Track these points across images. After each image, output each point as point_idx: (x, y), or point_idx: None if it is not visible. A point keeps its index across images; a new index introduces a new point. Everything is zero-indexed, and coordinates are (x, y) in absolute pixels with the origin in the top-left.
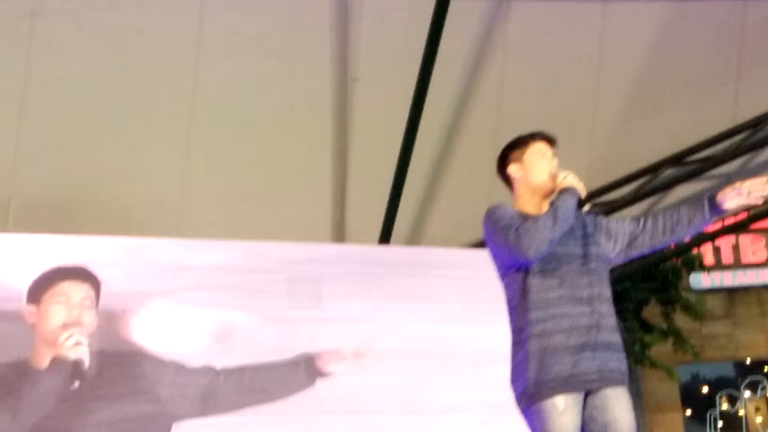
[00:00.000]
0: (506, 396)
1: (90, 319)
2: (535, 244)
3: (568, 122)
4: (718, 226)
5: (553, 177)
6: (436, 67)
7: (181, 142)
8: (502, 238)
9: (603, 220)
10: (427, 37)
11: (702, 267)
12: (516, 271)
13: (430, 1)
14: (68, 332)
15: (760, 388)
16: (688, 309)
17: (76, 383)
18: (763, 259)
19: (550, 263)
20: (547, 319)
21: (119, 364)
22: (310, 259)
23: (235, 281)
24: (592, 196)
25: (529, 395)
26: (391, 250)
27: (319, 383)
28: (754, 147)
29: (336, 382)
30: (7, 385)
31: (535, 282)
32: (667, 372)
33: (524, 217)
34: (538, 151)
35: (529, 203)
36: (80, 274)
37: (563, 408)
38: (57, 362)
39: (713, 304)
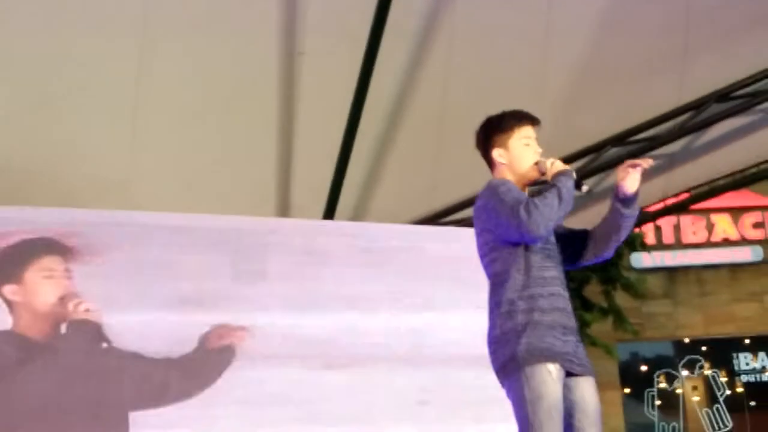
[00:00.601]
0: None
1: (75, 288)
2: (544, 221)
3: (513, 101)
4: (659, 206)
5: (537, 166)
6: (384, 43)
7: (127, 118)
8: (510, 212)
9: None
10: (374, 12)
11: (643, 246)
12: (514, 247)
13: None
14: (74, 301)
15: (697, 368)
16: (629, 288)
17: (104, 344)
18: (703, 239)
19: (547, 244)
20: (545, 296)
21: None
22: (255, 233)
23: (178, 254)
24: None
25: (520, 359)
26: (335, 225)
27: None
28: (697, 128)
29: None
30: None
31: (537, 259)
32: (607, 350)
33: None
34: (524, 137)
35: None
36: (57, 246)
37: (555, 377)
38: (78, 324)
39: (653, 283)
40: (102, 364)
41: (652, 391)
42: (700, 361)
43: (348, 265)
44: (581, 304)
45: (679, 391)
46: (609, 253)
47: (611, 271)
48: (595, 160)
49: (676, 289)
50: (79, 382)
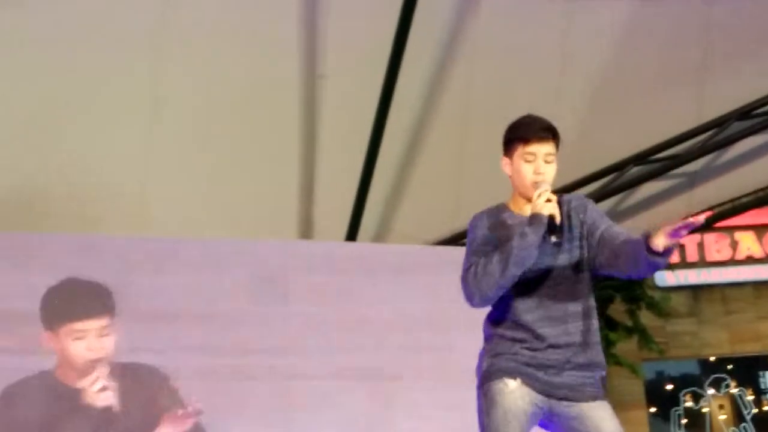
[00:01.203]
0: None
1: (110, 344)
2: (480, 292)
3: None
4: None
5: (535, 186)
6: (404, 64)
7: (143, 136)
8: (463, 268)
9: (594, 222)
10: (395, 34)
11: (667, 265)
12: None
13: None
14: (93, 376)
15: (723, 386)
16: (653, 307)
17: None
18: (727, 257)
19: (530, 279)
20: (525, 339)
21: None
22: (276, 256)
23: (199, 278)
24: (555, 193)
25: (483, 377)
26: (358, 247)
27: None
28: (719, 146)
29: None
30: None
31: (511, 303)
32: (632, 369)
33: (497, 229)
34: (528, 153)
35: (515, 201)
36: (98, 307)
37: (513, 388)
38: (87, 409)
39: (678, 301)
40: None
41: (679, 410)
42: (726, 379)
43: (370, 287)
44: (606, 324)
45: (705, 409)
46: (616, 274)
47: (635, 290)
48: (617, 179)
49: (700, 308)
50: None
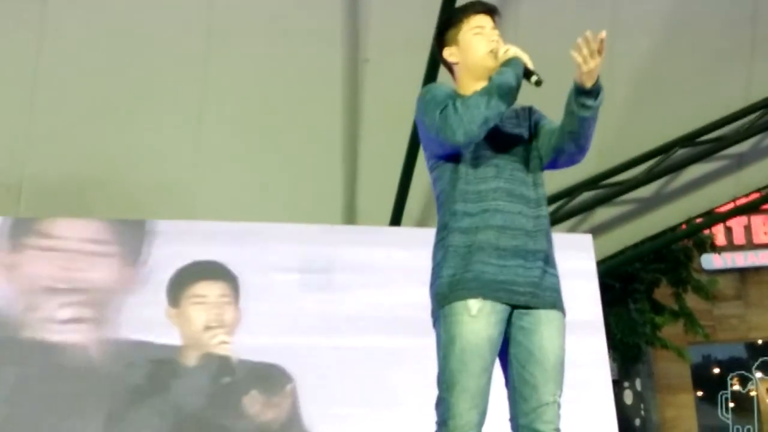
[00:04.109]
0: None
1: (231, 315)
2: (465, 124)
3: None
4: (730, 206)
5: (494, 54)
6: None
7: (193, 124)
8: (430, 118)
9: (540, 117)
10: (438, 17)
11: (713, 248)
12: (447, 161)
13: None
14: (213, 332)
15: None
16: (700, 290)
17: (226, 379)
18: None
19: (487, 150)
20: (476, 213)
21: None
22: (322, 241)
23: (247, 262)
24: (603, 177)
25: (442, 296)
26: (402, 232)
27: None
28: (767, 127)
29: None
30: (158, 381)
31: (466, 171)
32: (678, 353)
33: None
34: (474, 27)
35: (471, 89)
36: (214, 271)
37: (476, 312)
38: (205, 359)
39: (725, 284)
40: (218, 401)
41: (726, 394)
42: None
43: (412, 271)
44: (651, 307)
45: (753, 393)
46: (556, 160)
47: (681, 273)
48: (663, 161)
49: (747, 291)
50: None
